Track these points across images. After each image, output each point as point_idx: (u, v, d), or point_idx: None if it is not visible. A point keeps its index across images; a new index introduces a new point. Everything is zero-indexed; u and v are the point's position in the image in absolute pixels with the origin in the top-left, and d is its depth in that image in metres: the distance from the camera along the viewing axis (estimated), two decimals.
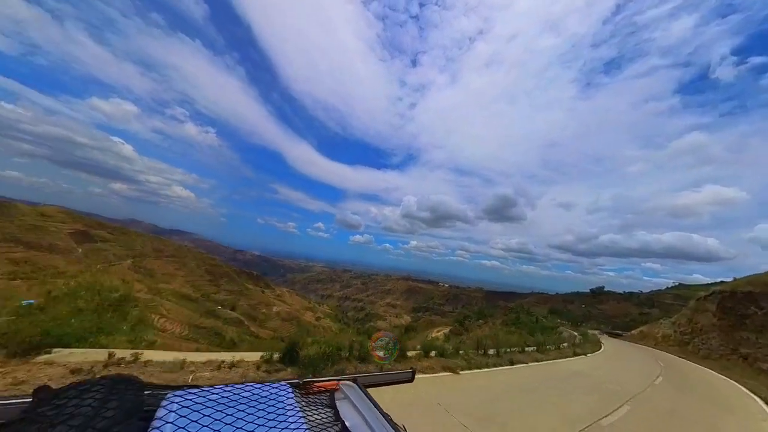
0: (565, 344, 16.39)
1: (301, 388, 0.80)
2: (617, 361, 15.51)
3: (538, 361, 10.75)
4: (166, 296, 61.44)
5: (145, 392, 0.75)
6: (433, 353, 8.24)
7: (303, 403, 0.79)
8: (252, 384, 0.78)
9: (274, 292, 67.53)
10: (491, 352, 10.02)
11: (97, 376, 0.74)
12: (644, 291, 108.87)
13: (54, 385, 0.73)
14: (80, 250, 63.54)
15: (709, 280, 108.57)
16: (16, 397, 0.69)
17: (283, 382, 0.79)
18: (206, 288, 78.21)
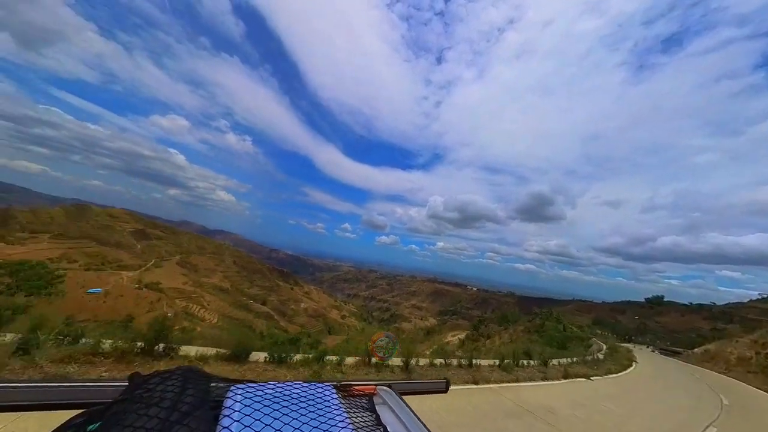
0: (567, 360, 12.04)
1: (342, 390, 0.82)
2: (635, 392, 9.84)
3: (494, 383, 7.11)
4: (207, 289, 67.85)
5: (212, 383, 0.82)
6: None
7: (345, 405, 0.82)
8: (300, 383, 0.83)
9: (302, 289, 70.51)
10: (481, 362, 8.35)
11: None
12: (718, 303, 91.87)
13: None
14: (139, 246, 72.97)
15: None
16: (112, 380, 0.81)
17: (327, 383, 0.83)
18: (241, 283, 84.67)
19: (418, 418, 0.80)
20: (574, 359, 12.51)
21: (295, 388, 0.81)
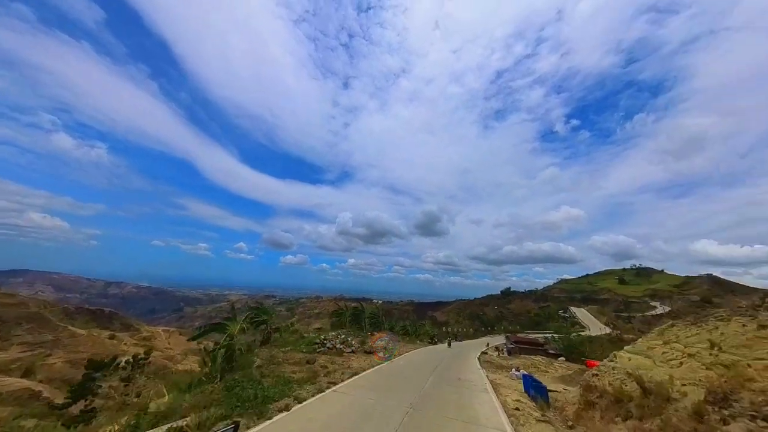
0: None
1: None
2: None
3: None
4: None
5: None
6: None
7: None
8: None
9: (139, 333, 47.67)
10: None
11: None
12: (539, 288, 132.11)
13: None
14: None
15: (570, 276, 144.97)
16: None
17: None
18: None
19: None
20: None
21: None
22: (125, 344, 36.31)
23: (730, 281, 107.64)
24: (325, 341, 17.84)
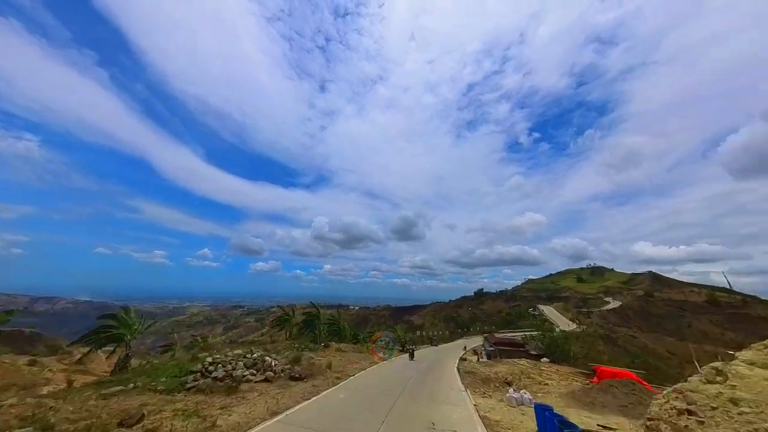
0: None
1: None
2: None
3: None
4: None
5: None
6: None
7: None
8: None
9: (70, 357, 39.88)
10: None
11: None
12: (509, 289, 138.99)
13: None
14: None
15: (536, 277, 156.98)
16: None
17: None
18: None
19: None
20: None
21: None
22: (50, 371, 29.78)
23: (667, 277, 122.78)
24: (210, 368, 10.81)
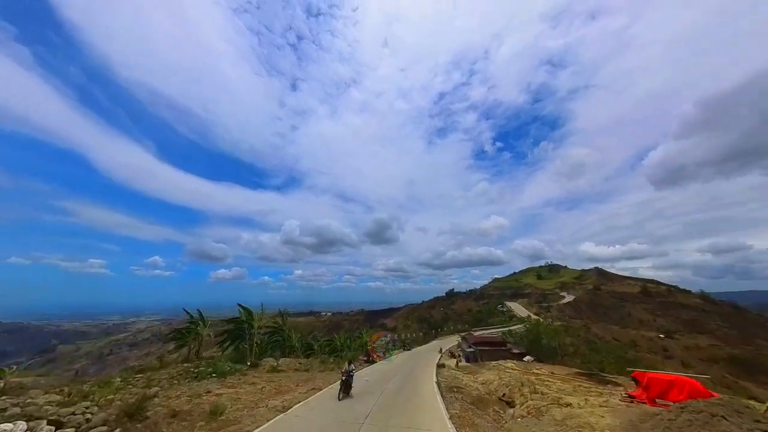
0: None
1: None
2: None
3: None
4: None
5: None
6: None
7: None
8: None
9: None
10: None
11: None
12: (477, 288, 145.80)
13: None
14: None
15: (501, 276, 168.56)
16: None
17: None
18: None
19: None
20: None
21: None
22: None
23: (610, 272, 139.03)
24: None
